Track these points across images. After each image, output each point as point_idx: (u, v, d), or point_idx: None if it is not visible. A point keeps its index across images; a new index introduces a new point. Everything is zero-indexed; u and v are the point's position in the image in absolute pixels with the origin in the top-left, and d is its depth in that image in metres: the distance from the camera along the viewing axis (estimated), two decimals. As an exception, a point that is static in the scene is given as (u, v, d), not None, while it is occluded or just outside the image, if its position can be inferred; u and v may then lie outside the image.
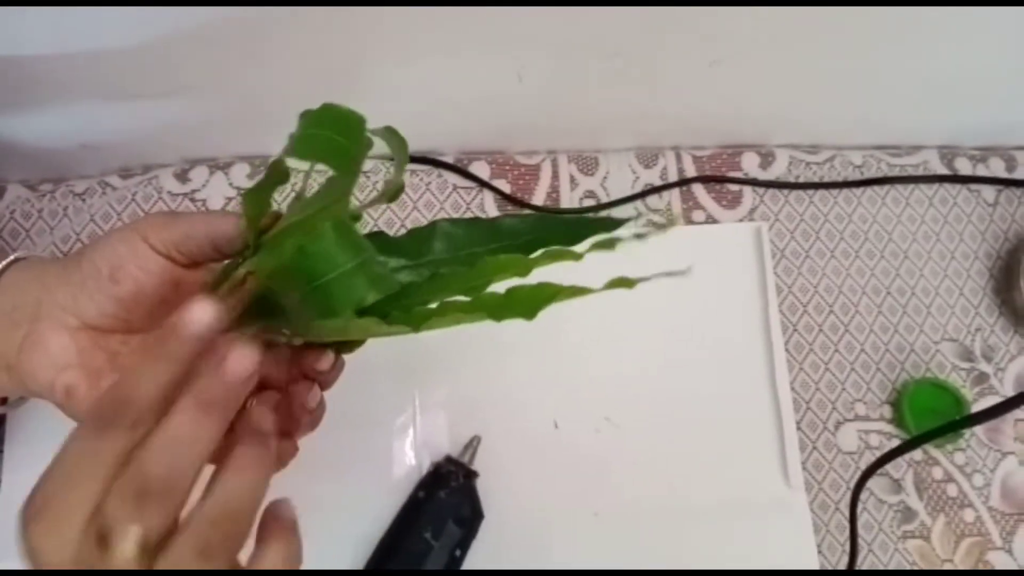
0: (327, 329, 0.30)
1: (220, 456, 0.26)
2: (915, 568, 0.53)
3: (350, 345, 0.35)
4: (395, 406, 0.53)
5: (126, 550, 0.24)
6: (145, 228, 0.33)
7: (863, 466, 0.55)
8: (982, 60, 0.53)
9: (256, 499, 0.26)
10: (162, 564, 0.24)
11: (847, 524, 0.53)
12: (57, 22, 0.41)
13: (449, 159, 0.58)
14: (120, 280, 0.32)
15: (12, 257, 0.36)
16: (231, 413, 0.26)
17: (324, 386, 0.36)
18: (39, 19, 0.40)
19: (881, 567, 0.53)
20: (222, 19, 0.42)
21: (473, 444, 0.51)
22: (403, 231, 0.56)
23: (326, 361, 0.35)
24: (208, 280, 0.33)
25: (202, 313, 0.25)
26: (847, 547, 0.53)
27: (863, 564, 0.53)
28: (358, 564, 0.49)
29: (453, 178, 0.58)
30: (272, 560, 0.27)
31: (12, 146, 0.53)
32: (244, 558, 0.27)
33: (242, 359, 0.25)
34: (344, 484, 0.50)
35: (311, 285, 0.28)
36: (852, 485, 0.54)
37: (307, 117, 0.31)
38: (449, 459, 0.51)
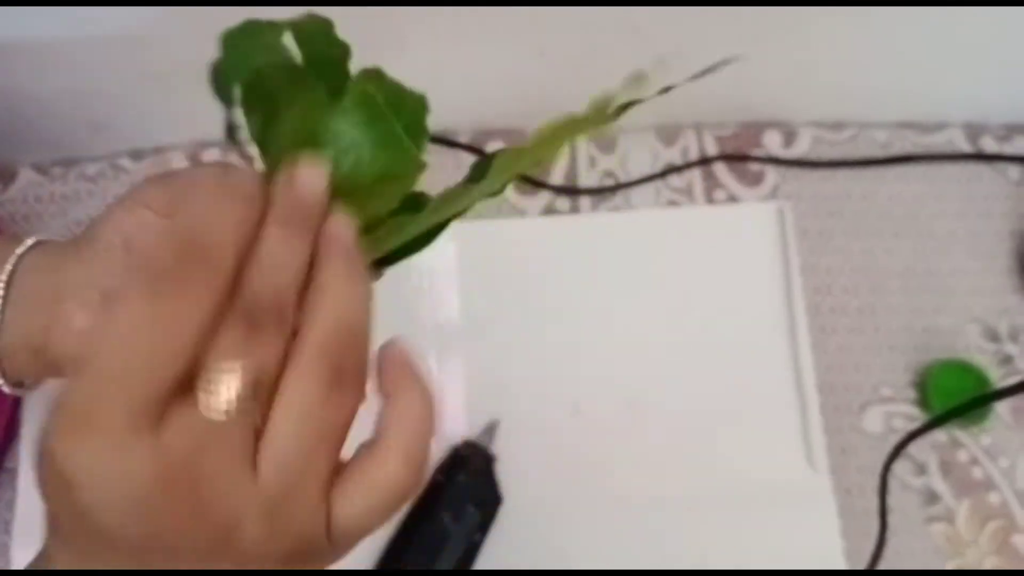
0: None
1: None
2: (939, 555, 0.53)
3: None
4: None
5: (232, 390, 0.20)
6: (146, 196, 0.32)
7: (888, 449, 0.54)
8: (1006, 35, 0.52)
9: (368, 310, 0.24)
10: (283, 405, 0.21)
11: (872, 508, 0.53)
12: (62, 6, 0.40)
13: (464, 139, 0.57)
14: (132, 249, 0.31)
15: (31, 241, 0.35)
16: (313, 233, 0.24)
17: None
18: (45, 10, 0.40)
19: (905, 551, 0.53)
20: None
21: (492, 427, 0.50)
22: (419, 213, 0.56)
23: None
24: None
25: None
26: (872, 531, 0.53)
27: (886, 549, 0.53)
28: (377, 547, 0.48)
29: (469, 158, 0.57)
30: (413, 408, 0.24)
31: (22, 129, 0.53)
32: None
33: (312, 174, 0.24)
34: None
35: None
36: (878, 468, 0.53)
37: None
38: (468, 443, 0.50)
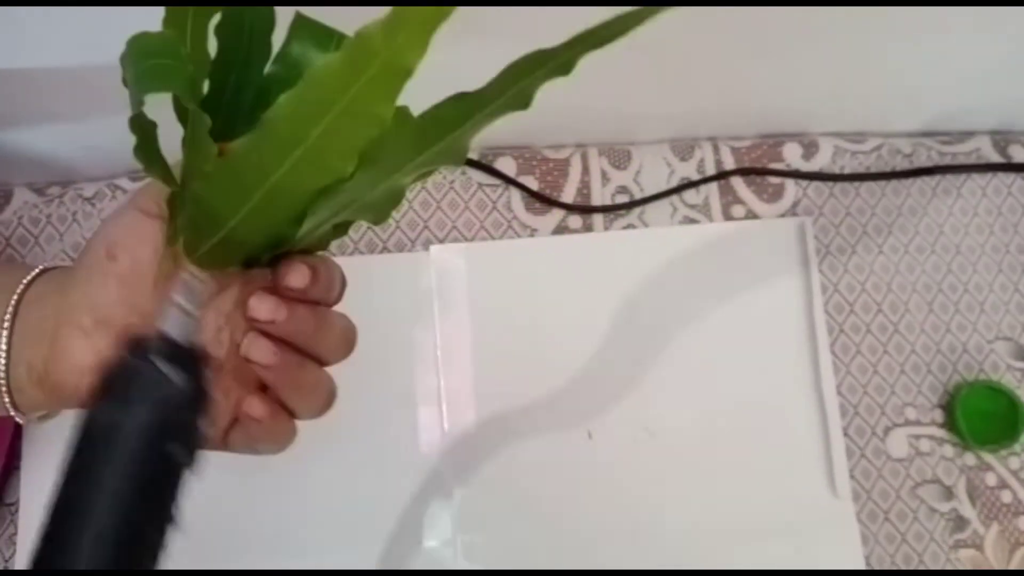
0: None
1: None
2: (968, 579, 0.51)
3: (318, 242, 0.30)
4: (420, 423, 0.51)
5: None
6: (137, 195, 0.31)
7: (914, 474, 0.52)
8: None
9: None
10: None
11: (897, 534, 0.51)
12: (58, 34, 0.39)
13: (473, 155, 0.55)
14: (117, 255, 0.30)
15: (38, 269, 0.34)
16: None
17: (330, 304, 0.32)
18: (40, 32, 0.38)
19: (932, 578, 0.51)
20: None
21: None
22: (426, 233, 0.54)
23: (298, 275, 0.29)
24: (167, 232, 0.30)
25: None
26: (897, 559, 0.51)
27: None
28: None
29: (477, 175, 0.55)
30: None
31: (17, 150, 0.51)
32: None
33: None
34: (363, 491, 0.49)
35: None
36: (903, 493, 0.51)
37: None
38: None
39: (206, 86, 0.29)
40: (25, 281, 0.33)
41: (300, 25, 0.31)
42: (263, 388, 0.31)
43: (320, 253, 0.31)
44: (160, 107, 0.27)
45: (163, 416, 0.26)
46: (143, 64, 0.26)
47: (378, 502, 0.49)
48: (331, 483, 0.49)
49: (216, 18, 0.29)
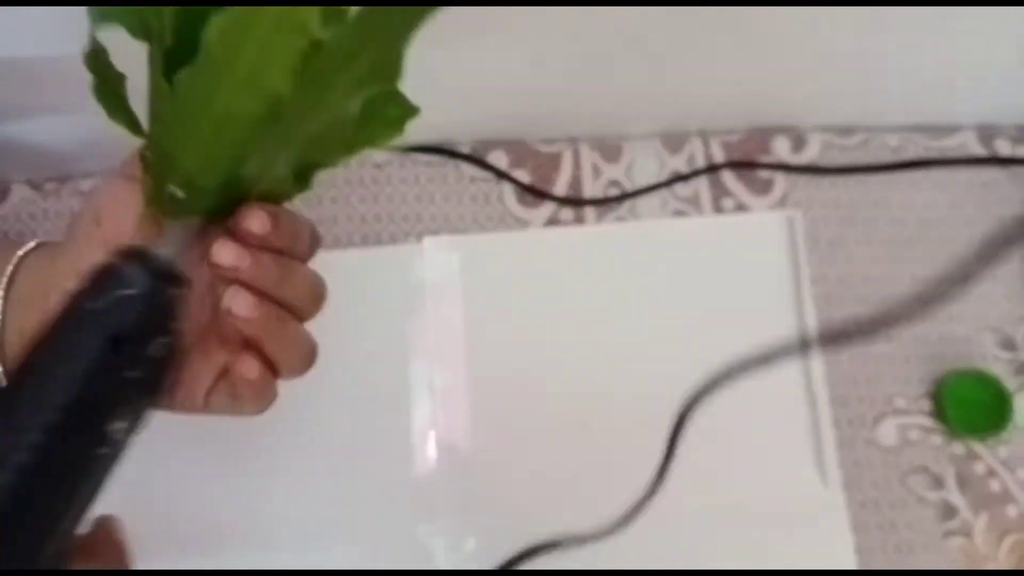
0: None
1: None
2: (956, 568, 0.52)
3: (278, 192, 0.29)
4: (412, 415, 0.51)
5: None
6: (124, 162, 0.31)
7: (903, 463, 0.53)
8: (1017, 34, 0.51)
9: None
10: None
11: (887, 523, 0.52)
12: (54, 23, 0.39)
13: (465, 149, 0.56)
14: (102, 221, 0.31)
15: (33, 243, 0.35)
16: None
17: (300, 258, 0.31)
18: (36, 20, 0.39)
19: (922, 567, 0.51)
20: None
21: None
22: (419, 226, 0.55)
23: (257, 220, 0.28)
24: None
25: None
26: (887, 547, 0.51)
27: (903, 566, 0.52)
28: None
29: (470, 169, 0.56)
30: None
31: (14, 145, 0.52)
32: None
33: None
34: (357, 486, 0.49)
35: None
36: (893, 482, 0.52)
37: None
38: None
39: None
40: (20, 252, 0.34)
41: None
42: (247, 348, 0.31)
43: (286, 205, 0.31)
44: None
45: (120, 314, 0.26)
46: None
47: (369, 496, 0.49)
48: (321, 476, 0.50)
49: None
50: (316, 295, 0.32)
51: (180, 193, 0.27)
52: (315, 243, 0.32)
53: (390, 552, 0.49)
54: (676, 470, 0.51)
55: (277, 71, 0.23)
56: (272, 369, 0.31)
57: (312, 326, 0.32)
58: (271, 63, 0.23)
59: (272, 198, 0.29)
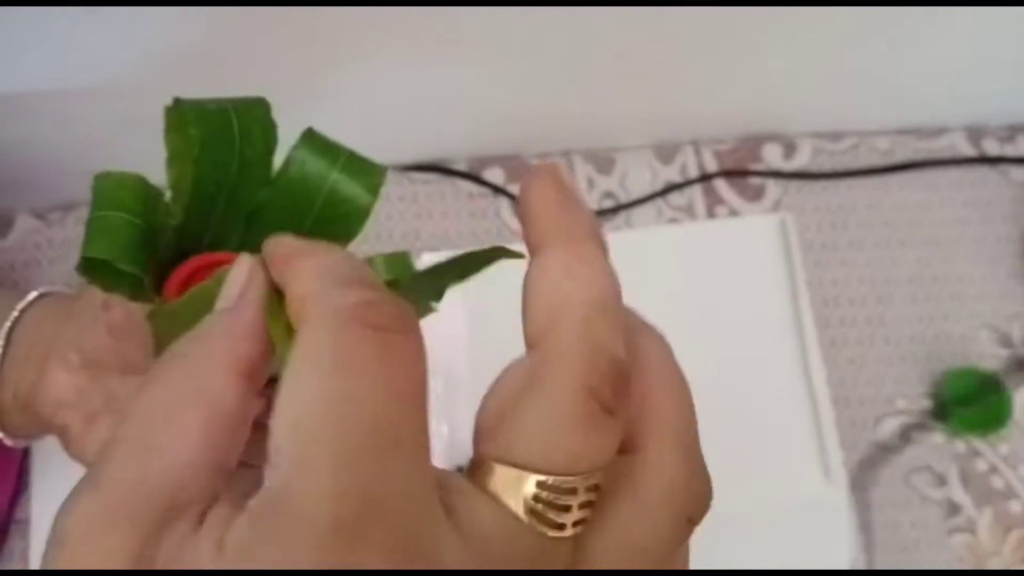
0: None
1: None
2: (962, 567, 0.52)
3: None
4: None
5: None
6: None
7: (905, 462, 0.53)
8: (1003, 35, 0.52)
9: None
10: None
11: (891, 521, 0.52)
12: (55, 57, 0.40)
13: (461, 166, 0.57)
14: (111, 307, 0.31)
15: (34, 295, 0.35)
16: None
17: None
18: (37, 56, 0.40)
19: (927, 564, 0.52)
20: (219, 37, 0.41)
21: None
22: (419, 242, 0.55)
23: None
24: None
25: None
26: (893, 546, 0.52)
27: (909, 564, 0.52)
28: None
29: (467, 186, 0.57)
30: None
31: (18, 175, 0.52)
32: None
33: None
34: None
35: None
36: (896, 481, 0.52)
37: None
38: None
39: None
40: (19, 308, 0.35)
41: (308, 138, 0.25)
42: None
43: None
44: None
45: None
46: (92, 214, 0.23)
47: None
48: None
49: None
50: None
51: None
52: None
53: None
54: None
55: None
56: None
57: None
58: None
59: None
